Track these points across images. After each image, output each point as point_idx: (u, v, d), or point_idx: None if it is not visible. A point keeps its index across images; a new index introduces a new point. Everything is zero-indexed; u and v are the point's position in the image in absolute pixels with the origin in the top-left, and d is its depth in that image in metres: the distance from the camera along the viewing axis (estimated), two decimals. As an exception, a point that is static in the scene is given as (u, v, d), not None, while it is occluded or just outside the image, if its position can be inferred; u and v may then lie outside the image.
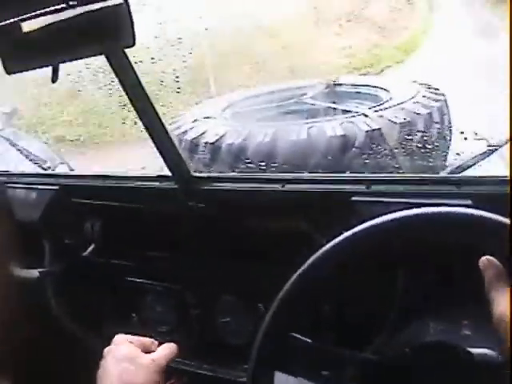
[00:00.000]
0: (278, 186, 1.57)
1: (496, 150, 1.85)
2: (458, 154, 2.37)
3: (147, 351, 1.18)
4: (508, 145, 1.36)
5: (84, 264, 1.87)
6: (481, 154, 1.88)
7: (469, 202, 1.22)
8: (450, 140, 2.79)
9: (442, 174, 1.87)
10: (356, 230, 1.00)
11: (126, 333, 1.26)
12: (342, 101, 3.52)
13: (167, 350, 1.19)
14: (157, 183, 1.76)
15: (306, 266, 1.03)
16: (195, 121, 2.99)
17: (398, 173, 1.98)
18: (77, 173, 2.13)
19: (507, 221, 0.75)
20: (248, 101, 3.64)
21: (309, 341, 1.11)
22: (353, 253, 1.00)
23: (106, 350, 1.19)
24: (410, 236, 0.87)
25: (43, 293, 1.84)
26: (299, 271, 1.04)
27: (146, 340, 1.22)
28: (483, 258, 0.73)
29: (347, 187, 1.47)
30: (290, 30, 7.32)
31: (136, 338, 1.21)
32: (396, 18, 8.62)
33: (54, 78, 1.21)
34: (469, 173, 1.86)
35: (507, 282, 0.69)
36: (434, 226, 0.88)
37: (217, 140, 2.64)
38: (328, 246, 1.05)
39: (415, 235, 0.87)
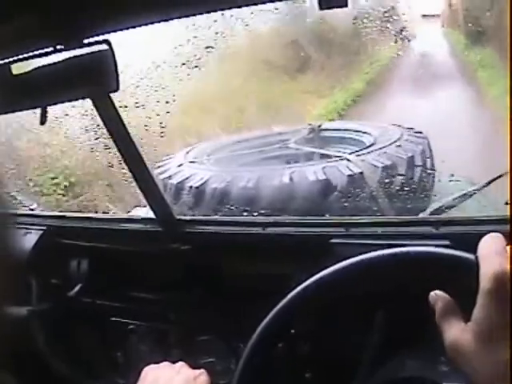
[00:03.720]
0: (259, 229, 1.60)
1: (475, 192, 1.90)
2: (435, 195, 2.41)
3: None
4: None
5: (70, 303, 1.89)
6: (460, 196, 1.92)
7: (447, 242, 1.25)
8: (433, 182, 2.82)
9: (422, 215, 1.90)
10: (328, 271, 1.02)
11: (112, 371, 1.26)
12: (326, 146, 3.57)
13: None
14: (141, 225, 1.79)
15: (280, 305, 1.05)
16: (180, 165, 3.02)
17: (377, 215, 2.02)
18: (63, 214, 2.15)
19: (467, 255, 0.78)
20: (233, 146, 3.69)
21: None
22: (327, 292, 1.02)
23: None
24: (379, 276, 0.89)
25: (30, 330, 1.85)
26: (275, 309, 1.06)
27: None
28: (432, 293, 0.75)
29: (326, 230, 1.50)
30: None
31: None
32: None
33: (43, 120, 1.24)
34: (450, 214, 1.90)
35: (457, 313, 0.71)
36: (400, 266, 0.91)
37: (201, 184, 2.67)
38: (302, 285, 1.07)
39: (384, 275, 0.89)
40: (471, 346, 0.66)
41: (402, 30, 5.54)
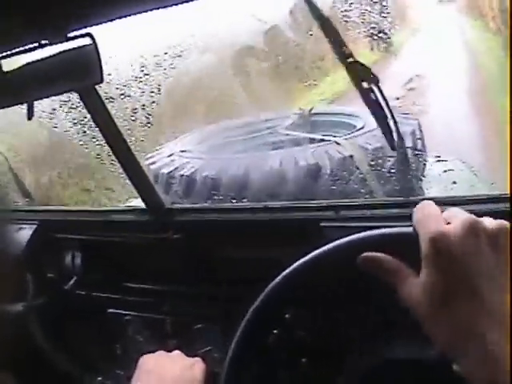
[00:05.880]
0: (249, 215, 1.61)
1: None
2: (423, 176, 2.42)
3: None
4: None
5: (66, 297, 1.90)
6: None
7: None
8: (425, 163, 2.82)
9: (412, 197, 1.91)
10: (320, 250, 1.03)
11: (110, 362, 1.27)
12: (317, 130, 3.57)
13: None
14: (133, 216, 1.80)
15: (270, 287, 1.05)
16: (171, 155, 3.02)
17: (366, 198, 2.02)
18: (55, 208, 2.16)
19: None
20: (223, 133, 3.68)
21: None
22: (318, 273, 1.03)
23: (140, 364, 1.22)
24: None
25: (27, 326, 1.86)
26: (260, 296, 1.07)
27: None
28: (360, 256, 0.76)
29: (316, 214, 1.51)
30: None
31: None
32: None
33: (30, 115, 1.25)
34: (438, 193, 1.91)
35: (406, 268, 0.71)
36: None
37: (192, 173, 2.68)
38: (294, 266, 1.08)
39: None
40: (424, 302, 0.66)
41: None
